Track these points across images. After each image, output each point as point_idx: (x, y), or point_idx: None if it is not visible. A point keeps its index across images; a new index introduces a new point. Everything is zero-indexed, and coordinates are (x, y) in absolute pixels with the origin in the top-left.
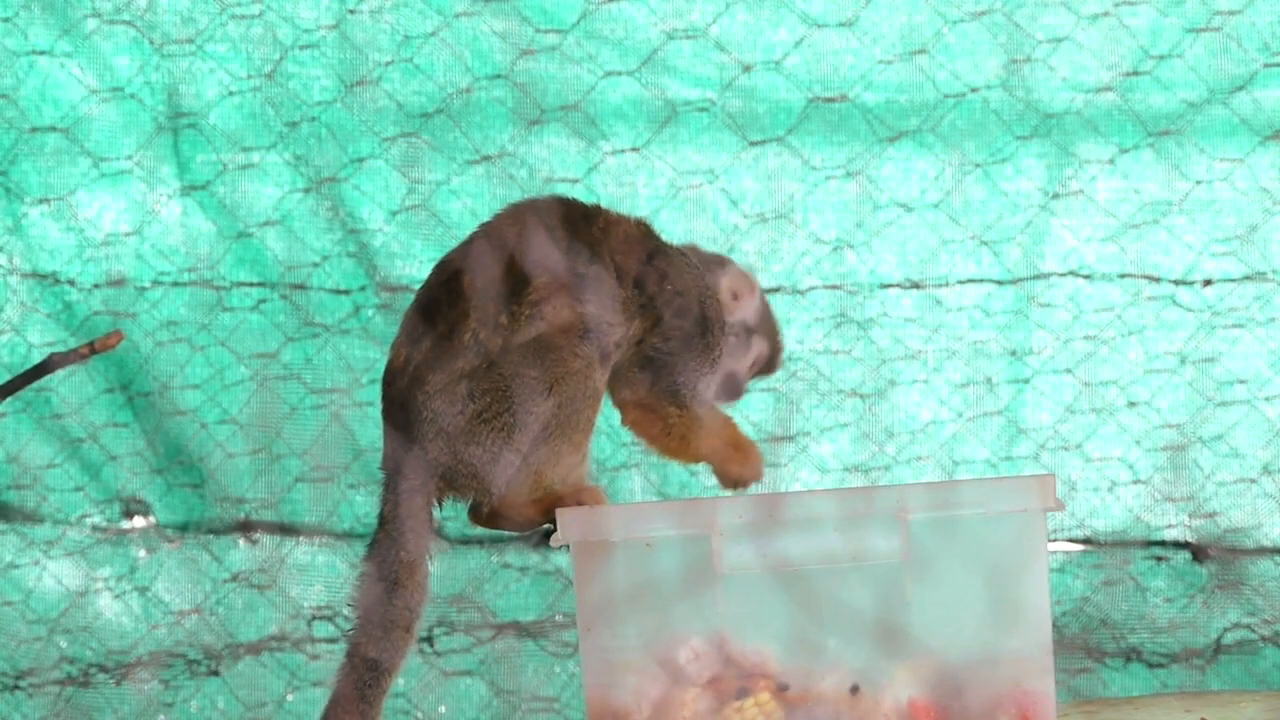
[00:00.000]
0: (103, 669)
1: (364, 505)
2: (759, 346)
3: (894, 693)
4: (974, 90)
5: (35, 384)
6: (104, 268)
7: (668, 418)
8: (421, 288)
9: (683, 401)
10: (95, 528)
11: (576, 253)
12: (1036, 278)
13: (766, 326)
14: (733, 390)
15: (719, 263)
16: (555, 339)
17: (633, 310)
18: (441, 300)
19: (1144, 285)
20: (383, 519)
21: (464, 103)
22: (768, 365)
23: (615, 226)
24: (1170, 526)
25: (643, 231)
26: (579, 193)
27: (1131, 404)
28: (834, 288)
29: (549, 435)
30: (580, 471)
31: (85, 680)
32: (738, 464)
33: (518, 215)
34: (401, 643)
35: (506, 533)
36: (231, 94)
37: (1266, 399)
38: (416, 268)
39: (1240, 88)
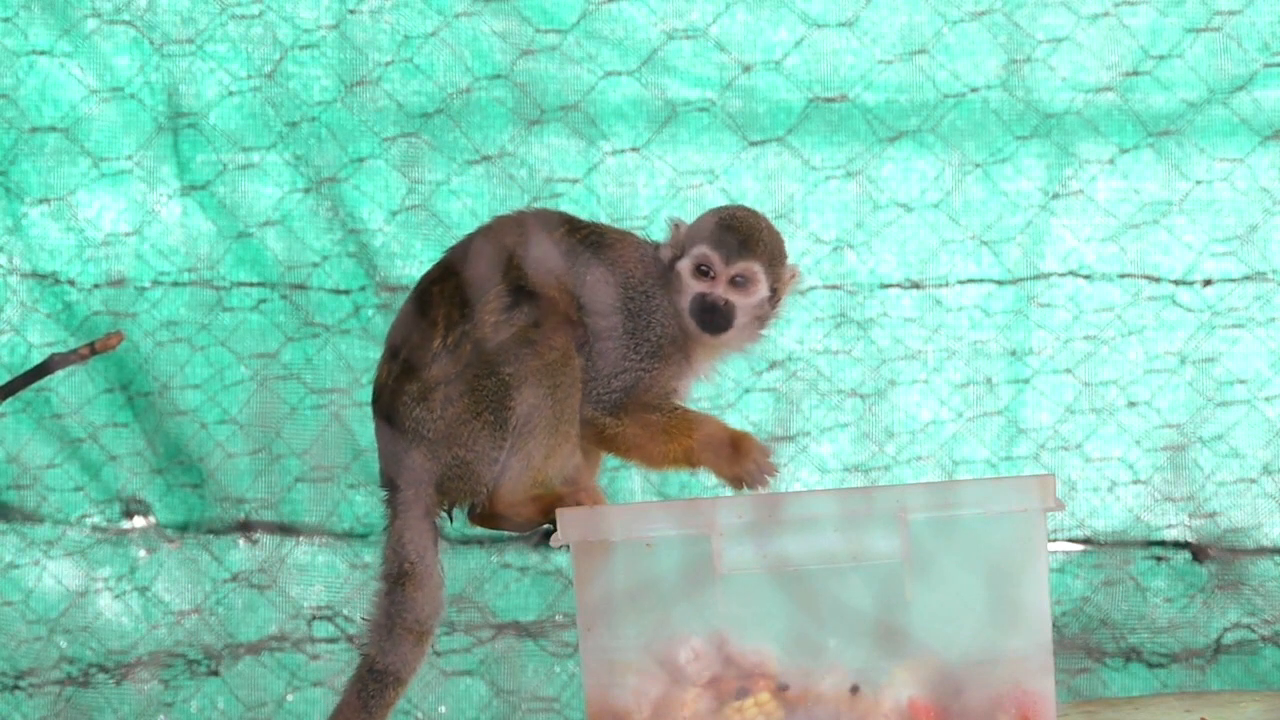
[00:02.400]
0: (103, 669)
1: (364, 505)
2: (690, 261)
3: (894, 693)
4: (974, 90)
5: (35, 384)
6: (104, 268)
7: (630, 423)
8: (403, 304)
9: (623, 405)
10: (95, 528)
11: (553, 254)
12: (1036, 278)
13: (690, 239)
14: (706, 309)
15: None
16: (528, 334)
17: (606, 312)
18: (417, 312)
19: (1144, 285)
20: (387, 531)
21: (464, 103)
22: (718, 242)
23: (595, 233)
24: (1170, 526)
25: (627, 240)
26: (579, 192)
27: (1131, 404)
28: (834, 288)
29: (535, 429)
30: (575, 463)
31: (85, 680)
32: (728, 460)
33: (496, 223)
34: (412, 655)
35: (506, 533)
36: (231, 94)
37: (1266, 399)
38: (416, 268)
39: (1240, 88)
